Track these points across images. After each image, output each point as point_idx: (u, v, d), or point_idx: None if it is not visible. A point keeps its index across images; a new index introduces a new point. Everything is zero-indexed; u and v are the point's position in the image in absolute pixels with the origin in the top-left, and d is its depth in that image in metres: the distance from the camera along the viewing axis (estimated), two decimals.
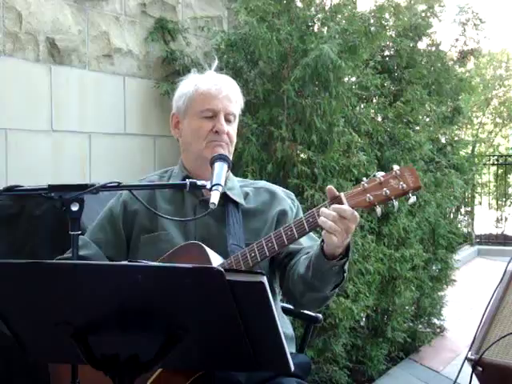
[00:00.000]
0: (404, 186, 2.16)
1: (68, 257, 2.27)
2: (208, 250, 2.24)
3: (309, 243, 2.43)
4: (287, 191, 2.62)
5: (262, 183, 2.62)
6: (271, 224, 2.45)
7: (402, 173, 2.17)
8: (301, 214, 2.50)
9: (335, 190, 2.20)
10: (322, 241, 2.19)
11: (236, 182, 2.56)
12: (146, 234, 2.44)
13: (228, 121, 2.45)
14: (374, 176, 2.19)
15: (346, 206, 2.14)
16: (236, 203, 2.46)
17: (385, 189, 2.16)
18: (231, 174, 2.56)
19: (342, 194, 2.18)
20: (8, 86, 3.55)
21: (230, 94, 2.46)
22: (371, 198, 2.16)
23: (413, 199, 2.18)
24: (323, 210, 2.16)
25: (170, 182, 2.53)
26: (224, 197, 2.40)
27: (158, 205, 2.45)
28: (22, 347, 1.76)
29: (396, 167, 2.19)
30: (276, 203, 2.50)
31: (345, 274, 2.29)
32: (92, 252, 2.44)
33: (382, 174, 2.19)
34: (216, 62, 2.62)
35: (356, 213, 2.15)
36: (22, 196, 2.93)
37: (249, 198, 2.51)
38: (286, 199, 2.54)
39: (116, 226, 2.48)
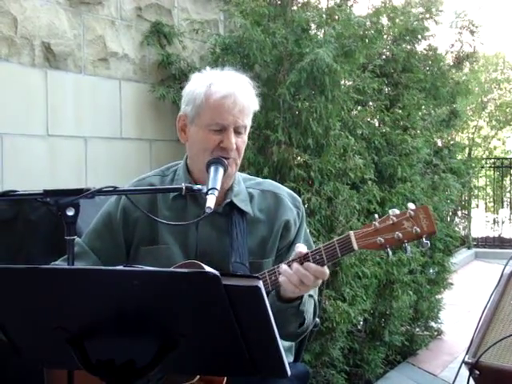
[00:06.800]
0: (418, 230, 2.06)
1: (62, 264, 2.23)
2: (208, 269, 2.15)
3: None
4: (294, 196, 2.49)
5: (268, 184, 2.49)
6: (276, 235, 2.38)
7: (417, 214, 2.06)
8: (304, 226, 2.46)
9: (304, 249, 2.13)
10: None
11: (242, 184, 2.44)
12: (146, 246, 2.36)
13: (238, 133, 2.30)
14: (387, 215, 2.09)
15: (321, 268, 2.09)
16: (242, 211, 2.36)
17: (397, 232, 2.06)
18: (238, 176, 2.44)
19: (352, 234, 2.10)
20: (3, 90, 3.54)
21: (243, 106, 2.29)
22: (382, 240, 2.07)
23: (427, 245, 2.07)
24: (285, 269, 2.10)
25: (172, 185, 2.37)
26: (230, 205, 2.36)
27: (160, 212, 2.35)
28: (17, 352, 1.75)
29: (411, 206, 2.08)
30: (282, 211, 2.40)
31: (304, 315, 2.24)
32: (90, 263, 2.35)
33: (396, 212, 2.09)
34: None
35: (327, 270, 2.10)
36: (18, 201, 2.92)
37: (254, 202, 2.40)
38: (292, 209, 2.43)
39: (115, 235, 2.38)
